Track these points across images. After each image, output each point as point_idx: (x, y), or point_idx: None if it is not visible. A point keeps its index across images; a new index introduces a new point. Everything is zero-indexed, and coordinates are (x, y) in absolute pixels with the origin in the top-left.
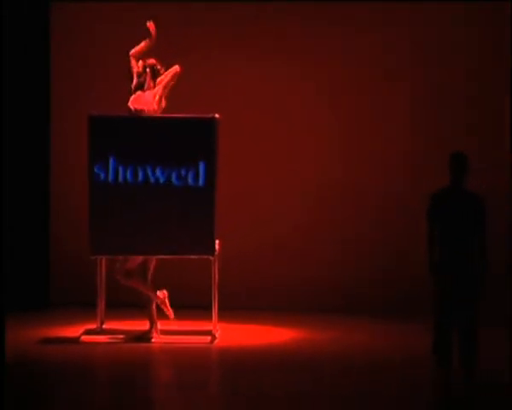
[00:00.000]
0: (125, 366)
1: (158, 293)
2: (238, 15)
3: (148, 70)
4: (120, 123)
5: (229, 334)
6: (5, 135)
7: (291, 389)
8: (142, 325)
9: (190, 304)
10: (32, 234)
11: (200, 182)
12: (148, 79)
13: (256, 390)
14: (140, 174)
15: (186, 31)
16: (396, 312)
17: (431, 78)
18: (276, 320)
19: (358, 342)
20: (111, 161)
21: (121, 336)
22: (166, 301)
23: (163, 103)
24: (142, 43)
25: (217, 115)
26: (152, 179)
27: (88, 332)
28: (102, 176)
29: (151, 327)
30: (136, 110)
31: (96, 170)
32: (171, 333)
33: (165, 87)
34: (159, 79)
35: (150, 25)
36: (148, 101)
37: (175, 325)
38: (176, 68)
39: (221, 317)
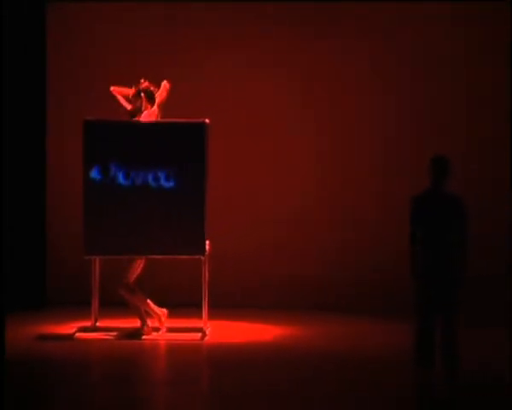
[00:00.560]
0: (117, 362)
1: (157, 310)
2: (235, 16)
3: (142, 94)
4: (114, 128)
5: (219, 331)
6: (4, 135)
7: (275, 387)
8: (134, 323)
9: (184, 302)
10: (29, 237)
11: (191, 184)
12: (144, 102)
13: (240, 387)
14: (133, 177)
15: (179, 31)
16: (395, 311)
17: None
18: (268, 318)
19: (350, 340)
20: (105, 164)
21: (114, 334)
22: (163, 318)
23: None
24: (129, 91)
25: (207, 120)
26: (145, 182)
27: (82, 330)
28: (97, 179)
29: (142, 325)
30: None
31: (90, 173)
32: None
33: (159, 105)
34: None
35: (165, 84)
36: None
37: (167, 323)
38: (165, 85)
39: (215, 315)
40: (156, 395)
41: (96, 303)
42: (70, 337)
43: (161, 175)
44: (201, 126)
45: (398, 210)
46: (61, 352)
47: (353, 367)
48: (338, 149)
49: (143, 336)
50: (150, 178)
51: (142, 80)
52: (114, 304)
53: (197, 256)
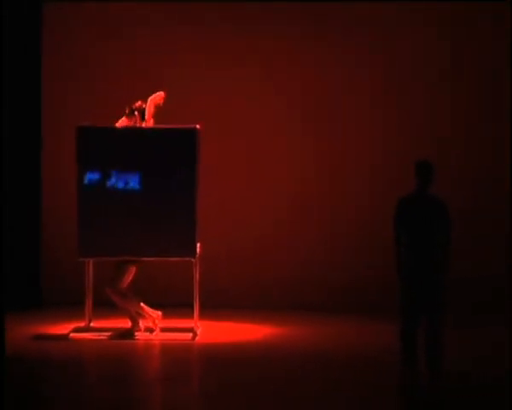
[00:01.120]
0: (109, 361)
1: (151, 313)
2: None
3: (136, 113)
4: (107, 133)
5: (210, 331)
6: (0, 137)
7: (262, 386)
8: (128, 323)
9: (179, 302)
10: (24, 238)
11: (183, 188)
12: (138, 120)
13: (227, 386)
14: (125, 181)
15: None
16: (384, 312)
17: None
18: (257, 319)
19: (337, 340)
20: (98, 168)
21: (107, 334)
22: (157, 321)
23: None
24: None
25: (198, 126)
26: (137, 186)
27: (76, 330)
28: (90, 183)
29: (133, 325)
30: None
31: (84, 177)
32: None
33: (151, 117)
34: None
35: (154, 97)
36: None
37: (160, 323)
38: (154, 98)
39: (206, 315)
40: (147, 394)
41: (89, 304)
42: (64, 337)
43: (154, 179)
44: (193, 132)
45: (386, 211)
46: (56, 352)
47: (338, 367)
48: (327, 151)
49: (135, 336)
50: (143, 182)
51: (138, 102)
52: (108, 305)
53: (188, 258)
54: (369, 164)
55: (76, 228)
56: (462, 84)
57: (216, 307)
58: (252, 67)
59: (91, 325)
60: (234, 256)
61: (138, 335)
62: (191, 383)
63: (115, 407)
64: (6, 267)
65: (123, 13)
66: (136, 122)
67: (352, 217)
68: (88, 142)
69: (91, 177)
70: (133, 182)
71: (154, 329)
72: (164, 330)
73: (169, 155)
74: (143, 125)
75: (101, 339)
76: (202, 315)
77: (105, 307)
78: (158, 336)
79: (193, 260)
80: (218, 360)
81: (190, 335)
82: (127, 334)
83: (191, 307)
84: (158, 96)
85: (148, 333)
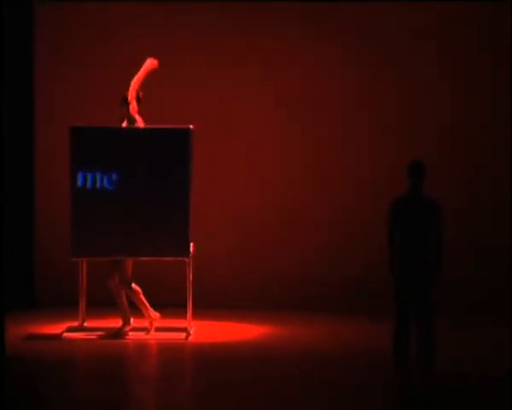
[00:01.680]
0: (101, 360)
1: (151, 313)
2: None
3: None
4: (100, 133)
5: (204, 331)
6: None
7: (256, 385)
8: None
9: (173, 302)
10: (17, 239)
11: (176, 189)
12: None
13: (221, 385)
14: (118, 181)
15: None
16: (381, 312)
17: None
18: (252, 318)
19: (333, 340)
20: (91, 168)
21: (100, 333)
22: (154, 322)
23: (141, 94)
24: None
25: (191, 126)
26: (130, 186)
27: (70, 330)
28: (83, 183)
29: (125, 324)
30: None
31: (77, 177)
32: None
33: (140, 80)
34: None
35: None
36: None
37: (157, 324)
38: (147, 64)
39: (200, 315)
40: (140, 394)
41: (83, 304)
42: (58, 337)
43: (148, 179)
44: (186, 132)
45: (383, 210)
46: (50, 351)
47: (332, 367)
48: (322, 150)
49: (127, 335)
50: (136, 181)
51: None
52: (101, 304)
53: (182, 258)
54: (370, 164)
55: (69, 228)
56: (462, 85)
57: (214, 306)
58: (252, 67)
59: (85, 324)
60: (233, 256)
61: (131, 334)
62: (184, 382)
63: (109, 406)
64: (6, 267)
65: (123, 13)
66: (127, 111)
67: (352, 217)
68: (81, 142)
69: (84, 177)
70: (126, 182)
71: (150, 329)
72: (158, 329)
73: (163, 156)
74: (137, 109)
75: (94, 339)
76: (199, 315)
77: (98, 306)
78: (152, 336)
79: (186, 259)
80: (212, 359)
81: (184, 335)
82: (118, 333)
83: (183, 306)
84: (150, 63)
85: (142, 333)
